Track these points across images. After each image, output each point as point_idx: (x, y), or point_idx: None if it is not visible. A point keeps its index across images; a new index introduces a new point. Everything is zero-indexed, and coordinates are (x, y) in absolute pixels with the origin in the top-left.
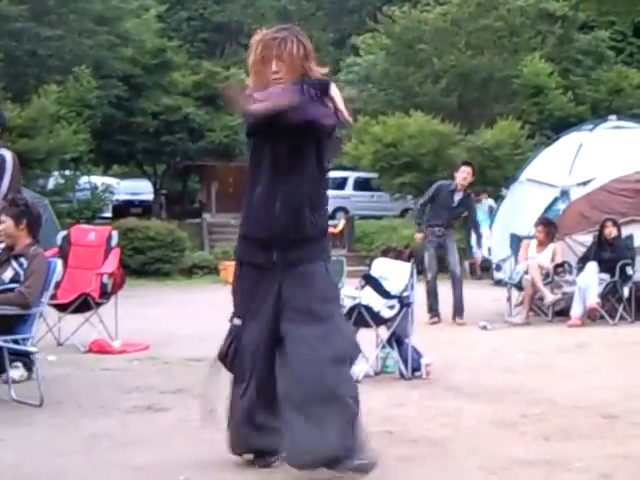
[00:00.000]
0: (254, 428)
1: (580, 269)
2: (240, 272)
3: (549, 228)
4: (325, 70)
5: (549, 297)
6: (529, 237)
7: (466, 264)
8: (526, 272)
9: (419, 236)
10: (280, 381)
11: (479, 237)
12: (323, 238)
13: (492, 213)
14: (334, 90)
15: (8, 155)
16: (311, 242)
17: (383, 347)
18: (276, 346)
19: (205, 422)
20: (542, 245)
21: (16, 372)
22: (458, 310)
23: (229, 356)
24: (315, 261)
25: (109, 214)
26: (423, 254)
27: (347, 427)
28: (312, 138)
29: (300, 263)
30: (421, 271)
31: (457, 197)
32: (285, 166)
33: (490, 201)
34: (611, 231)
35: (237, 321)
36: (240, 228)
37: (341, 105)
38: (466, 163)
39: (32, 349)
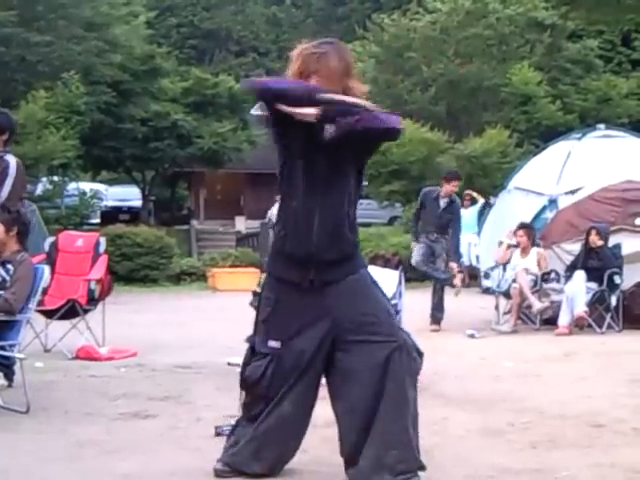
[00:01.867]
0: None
1: (568, 278)
2: (275, 290)
3: (529, 232)
4: (366, 88)
5: (537, 305)
6: (513, 245)
7: (459, 276)
8: (514, 280)
9: (414, 245)
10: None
11: (458, 243)
12: (358, 252)
13: (479, 219)
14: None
15: (13, 161)
16: (348, 260)
17: None
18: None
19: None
20: (525, 250)
21: None
22: (434, 317)
23: (265, 381)
24: (356, 270)
25: (97, 220)
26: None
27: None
28: (361, 151)
29: (336, 280)
30: (409, 279)
31: (442, 203)
32: (325, 181)
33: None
34: (594, 239)
35: (275, 344)
36: (275, 243)
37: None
38: (459, 177)
39: (19, 356)
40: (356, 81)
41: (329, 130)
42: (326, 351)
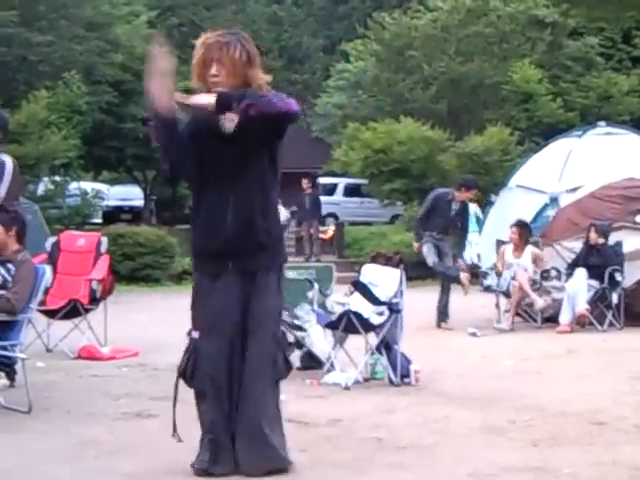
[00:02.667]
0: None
1: (569, 275)
2: (197, 284)
3: (523, 230)
4: (269, 78)
5: (539, 302)
6: (505, 242)
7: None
8: (513, 278)
9: (416, 245)
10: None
11: (464, 246)
12: (277, 245)
13: (478, 220)
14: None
15: (8, 160)
16: (265, 250)
17: (372, 353)
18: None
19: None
20: (518, 249)
21: None
22: (443, 315)
23: (188, 371)
24: (268, 271)
25: (99, 220)
26: (422, 250)
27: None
28: (266, 138)
29: (254, 273)
30: (411, 277)
31: (455, 206)
32: (234, 172)
33: (475, 207)
34: (594, 237)
35: (195, 334)
36: (192, 239)
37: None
38: (478, 186)
39: (21, 355)
40: (258, 71)
41: (226, 121)
42: (240, 338)
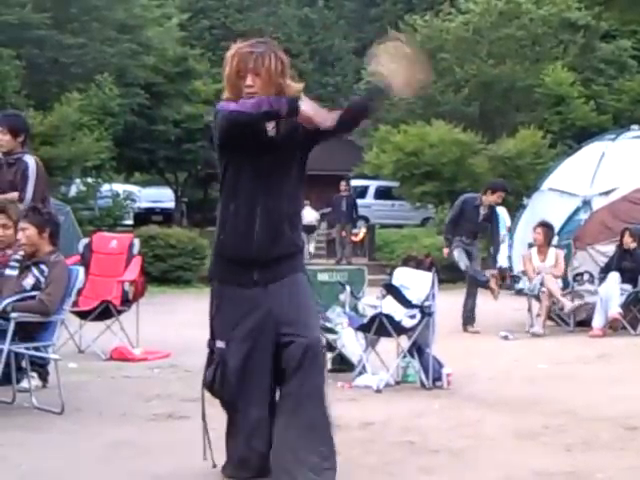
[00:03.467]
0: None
1: (602, 279)
2: (219, 293)
3: (547, 231)
4: (301, 86)
5: (568, 305)
6: (532, 246)
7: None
8: (542, 284)
9: (446, 251)
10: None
11: (497, 250)
12: (300, 254)
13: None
14: (306, 104)
15: (31, 161)
16: (289, 259)
17: (404, 357)
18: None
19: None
20: (542, 250)
21: (31, 382)
22: (469, 319)
23: (216, 382)
24: (296, 272)
25: (130, 222)
26: (452, 254)
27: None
28: (305, 146)
29: (281, 277)
30: (442, 280)
31: (482, 211)
32: (266, 182)
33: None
34: (627, 241)
35: (221, 344)
36: (215, 246)
37: (318, 114)
38: (505, 189)
39: (53, 356)
40: (290, 80)
41: (270, 128)
42: (272, 349)
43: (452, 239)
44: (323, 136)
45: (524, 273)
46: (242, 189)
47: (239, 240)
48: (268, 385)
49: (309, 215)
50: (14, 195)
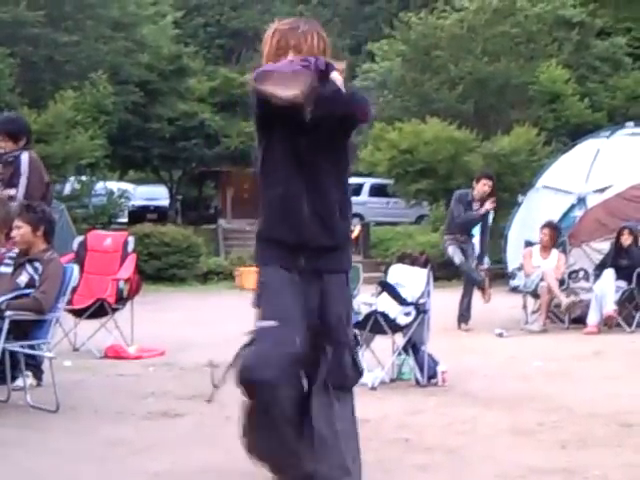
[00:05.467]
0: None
1: (597, 276)
2: (267, 276)
3: (554, 231)
4: (343, 65)
5: (564, 301)
6: (533, 244)
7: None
8: (542, 279)
9: (448, 246)
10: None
11: (484, 249)
12: (349, 245)
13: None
14: (335, 76)
15: (24, 156)
16: (339, 250)
17: (399, 354)
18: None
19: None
20: (546, 250)
21: (26, 381)
22: (463, 317)
23: (261, 359)
24: (340, 272)
25: (125, 219)
26: (446, 251)
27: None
28: (344, 135)
29: (327, 272)
30: (437, 278)
31: (475, 207)
32: (309, 165)
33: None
34: (627, 239)
35: (271, 322)
36: (261, 231)
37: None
38: (487, 176)
39: (48, 354)
40: (332, 58)
41: (308, 110)
42: (312, 343)
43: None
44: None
45: (519, 269)
46: (285, 173)
47: (288, 225)
48: (311, 371)
49: None
50: (11, 192)
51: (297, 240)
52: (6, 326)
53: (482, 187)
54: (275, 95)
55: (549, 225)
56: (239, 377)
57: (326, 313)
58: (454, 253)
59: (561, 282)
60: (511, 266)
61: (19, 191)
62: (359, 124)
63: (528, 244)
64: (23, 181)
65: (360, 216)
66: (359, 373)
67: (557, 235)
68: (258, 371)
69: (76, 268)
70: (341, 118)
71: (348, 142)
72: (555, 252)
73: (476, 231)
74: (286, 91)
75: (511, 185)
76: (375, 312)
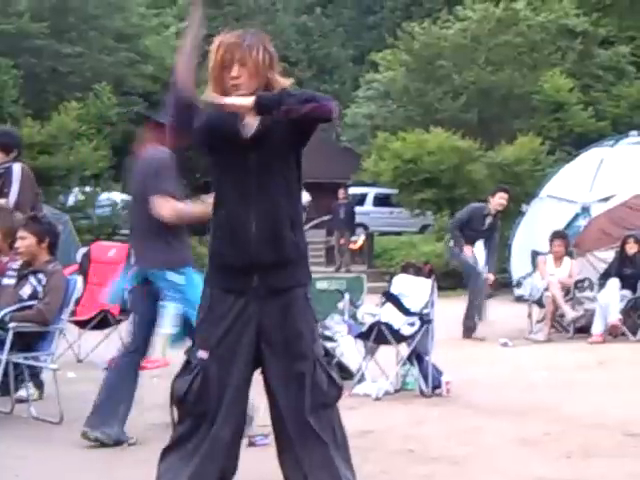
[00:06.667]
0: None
1: (601, 285)
2: (211, 299)
3: (566, 241)
4: (289, 82)
5: (570, 314)
6: (544, 254)
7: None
8: (546, 289)
9: (469, 251)
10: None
11: (493, 258)
12: (305, 260)
13: None
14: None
15: (16, 167)
16: (292, 265)
17: (403, 364)
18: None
19: None
20: (559, 259)
21: (26, 391)
22: (469, 330)
23: (192, 394)
24: (297, 288)
25: (129, 231)
26: (460, 260)
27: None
28: (293, 142)
29: (282, 290)
30: (441, 287)
31: (488, 220)
32: (256, 182)
33: None
34: (632, 248)
35: (203, 354)
36: (210, 251)
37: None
38: (504, 189)
39: (52, 366)
40: (278, 74)
41: (246, 126)
42: (253, 363)
43: (460, 239)
44: (307, 126)
45: (525, 278)
46: (232, 191)
47: (235, 245)
48: (244, 405)
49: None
50: (2, 202)
51: (246, 260)
52: (10, 338)
53: (499, 201)
54: (236, 105)
55: (560, 236)
56: (171, 400)
57: (285, 330)
58: (467, 257)
59: (567, 292)
60: (515, 275)
61: (10, 199)
62: (325, 121)
63: (535, 254)
64: (14, 189)
65: (364, 226)
66: (338, 388)
67: (568, 243)
68: (189, 404)
69: (79, 279)
70: (296, 124)
71: (301, 151)
72: (568, 260)
73: (479, 245)
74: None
75: (515, 195)
76: (379, 322)
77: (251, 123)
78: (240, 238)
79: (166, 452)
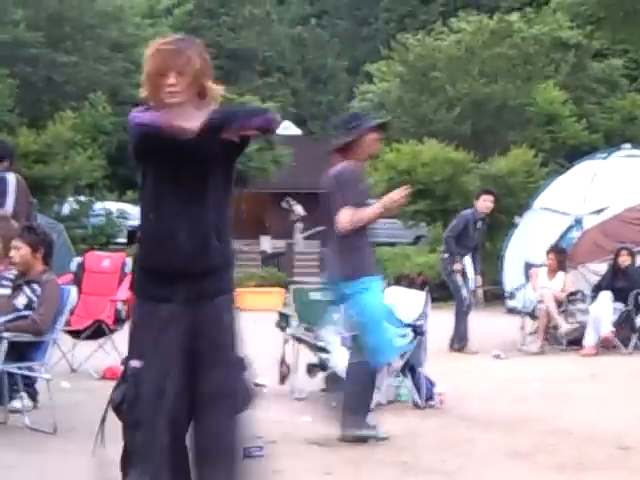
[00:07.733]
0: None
1: (594, 298)
2: (141, 308)
3: (560, 256)
4: (221, 89)
5: (564, 326)
6: (537, 265)
7: (480, 291)
8: (540, 301)
9: (459, 267)
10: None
11: (478, 262)
12: (231, 269)
13: None
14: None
15: (10, 176)
16: (218, 273)
17: (396, 376)
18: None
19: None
20: (552, 273)
21: (20, 402)
22: (462, 341)
23: (126, 405)
24: (222, 296)
25: (124, 240)
26: (449, 278)
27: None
28: (228, 153)
29: (207, 296)
30: (434, 299)
31: (478, 225)
32: (185, 191)
33: None
34: (625, 260)
35: (136, 363)
36: (138, 260)
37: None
38: (488, 191)
39: (46, 376)
40: (212, 82)
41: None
42: (189, 371)
43: (454, 251)
44: (249, 139)
45: (518, 289)
46: (163, 199)
47: (162, 253)
48: (183, 412)
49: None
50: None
51: (172, 267)
52: (4, 348)
53: (483, 203)
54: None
55: (555, 250)
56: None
57: (207, 337)
58: (462, 284)
59: (559, 304)
60: (508, 287)
61: (7, 209)
62: (269, 133)
63: (528, 266)
64: (11, 199)
65: None
66: (249, 395)
67: (564, 257)
68: (124, 414)
69: (74, 290)
70: (242, 138)
71: (234, 164)
72: (561, 274)
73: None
74: (190, 123)
75: (508, 206)
76: None
77: (187, 135)
78: (165, 245)
79: (124, 464)
